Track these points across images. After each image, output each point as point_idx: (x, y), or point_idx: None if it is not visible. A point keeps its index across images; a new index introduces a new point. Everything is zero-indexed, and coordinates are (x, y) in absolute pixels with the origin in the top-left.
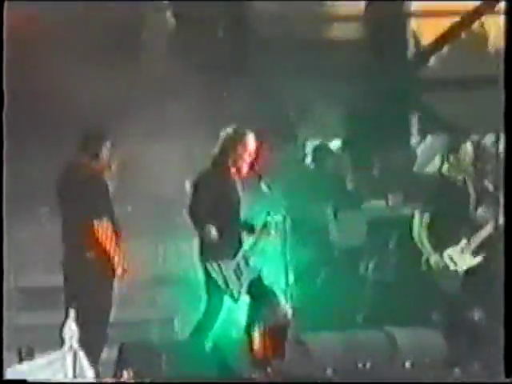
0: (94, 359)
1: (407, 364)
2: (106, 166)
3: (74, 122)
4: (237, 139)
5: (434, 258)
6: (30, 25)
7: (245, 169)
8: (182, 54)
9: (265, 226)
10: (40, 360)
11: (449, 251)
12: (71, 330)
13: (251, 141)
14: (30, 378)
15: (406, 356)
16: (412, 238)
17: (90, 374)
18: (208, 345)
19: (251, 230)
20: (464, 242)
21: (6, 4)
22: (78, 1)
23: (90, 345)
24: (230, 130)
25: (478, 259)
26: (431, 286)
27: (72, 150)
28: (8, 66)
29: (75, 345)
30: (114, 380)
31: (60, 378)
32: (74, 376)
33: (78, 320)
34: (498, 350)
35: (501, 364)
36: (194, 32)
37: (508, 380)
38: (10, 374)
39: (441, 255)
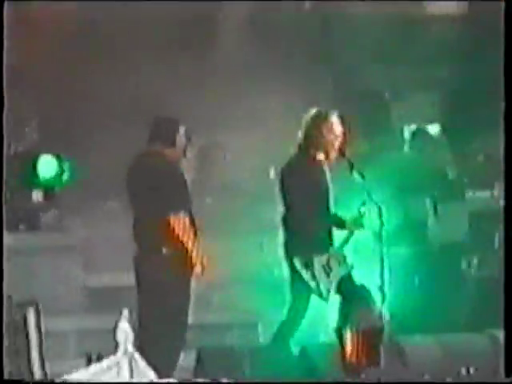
0: (170, 365)
1: None
2: (182, 153)
3: (145, 110)
4: (321, 121)
5: None
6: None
7: (333, 154)
8: (262, 35)
9: (358, 218)
10: (94, 367)
11: None
12: (125, 332)
13: (336, 122)
14: None
15: None
16: None
17: (151, 376)
18: (295, 349)
19: (341, 224)
20: None
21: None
22: None
23: (167, 349)
24: (313, 111)
25: None
26: None
27: (143, 139)
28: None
29: (130, 348)
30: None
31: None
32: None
33: (152, 322)
34: None
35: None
36: (275, 9)
37: (508, 380)
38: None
39: None
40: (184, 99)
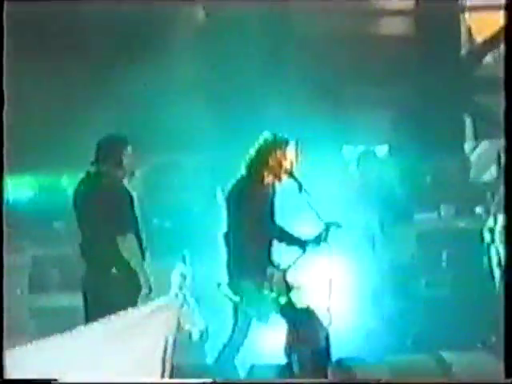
0: None
1: None
2: (130, 173)
3: (93, 129)
4: (277, 147)
5: None
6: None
7: (283, 177)
8: (213, 57)
9: (317, 237)
10: (146, 307)
11: None
12: (183, 275)
13: (291, 148)
14: (136, 329)
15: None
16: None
17: (201, 326)
18: (243, 370)
19: (302, 245)
20: None
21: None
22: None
23: None
24: (268, 135)
25: None
26: (492, 306)
27: (91, 158)
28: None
29: (183, 292)
30: None
31: (171, 325)
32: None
33: None
34: None
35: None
36: (225, 30)
37: (508, 380)
38: (111, 321)
39: None
40: (134, 118)
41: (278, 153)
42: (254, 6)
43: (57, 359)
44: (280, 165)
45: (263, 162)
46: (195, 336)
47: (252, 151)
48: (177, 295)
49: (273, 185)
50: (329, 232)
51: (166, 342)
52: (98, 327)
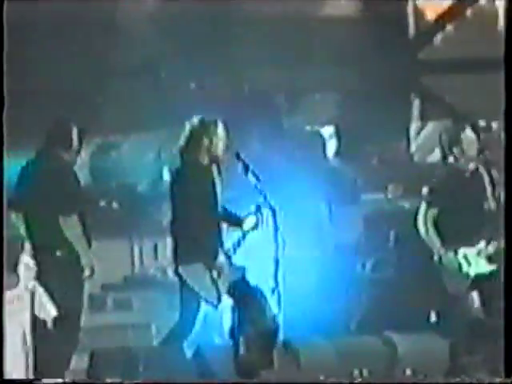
0: (63, 366)
1: (408, 371)
2: (76, 154)
3: (37, 111)
4: (204, 129)
5: (446, 256)
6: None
7: (219, 157)
8: (161, 38)
9: (252, 218)
10: None
11: (464, 250)
12: (27, 266)
13: (221, 129)
14: None
15: (406, 363)
16: (417, 233)
17: (53, 313)
18: (189, 351)
19: (238, 222)
20: (482, 244)
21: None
22: None
23: (60, 350)
24: (197, 118)
25: (492, 267)
26: (436, 287)
27: (38, 139)
28: None
29: (32, 282)
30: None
31: (20, 319)
32: (34, 315)
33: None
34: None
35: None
36: (174, 12)
37: (508, 380)
38: None
39: (455, 254)
40: (78, 99)
41: (207, 135)
42: None
43: None
44: (212, 146)
45: (195, 146)
46: (49, 324)
47: (182, 137)
48: (27, 286)
49: (211, 167)
50: (261, 213)
51: (23, 332)
52: None
